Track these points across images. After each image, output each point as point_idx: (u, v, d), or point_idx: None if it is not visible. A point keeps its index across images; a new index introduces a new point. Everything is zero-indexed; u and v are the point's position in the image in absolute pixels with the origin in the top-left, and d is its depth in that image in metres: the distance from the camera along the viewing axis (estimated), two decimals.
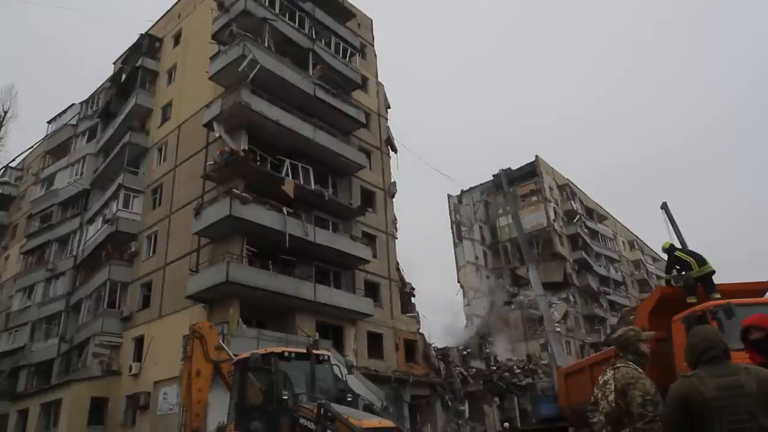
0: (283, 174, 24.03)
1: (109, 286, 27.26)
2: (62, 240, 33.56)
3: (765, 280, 10.86)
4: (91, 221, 31.47)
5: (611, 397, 3.73)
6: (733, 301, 8.64)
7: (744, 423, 2.96)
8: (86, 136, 35.82)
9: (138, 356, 25.22)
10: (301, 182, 24.41)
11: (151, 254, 27.45)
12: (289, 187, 23.34)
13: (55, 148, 37.55)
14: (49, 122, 39.28)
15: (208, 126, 24.41)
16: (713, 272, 10.73)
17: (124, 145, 30.22)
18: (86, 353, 26.90)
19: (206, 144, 25.66)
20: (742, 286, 10.63)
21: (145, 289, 26.91)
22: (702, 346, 3.26)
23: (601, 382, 3.90)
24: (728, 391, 3.02)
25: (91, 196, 33.05)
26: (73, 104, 38.05)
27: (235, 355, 10.70)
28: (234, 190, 22.03)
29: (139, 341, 25.58)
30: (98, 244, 29.06)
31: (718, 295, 9.99)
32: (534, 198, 53.96)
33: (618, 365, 3.87)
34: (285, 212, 22.95)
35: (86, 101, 37.29)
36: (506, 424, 27.97)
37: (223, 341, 14.59)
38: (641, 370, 3.80)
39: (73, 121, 37.13)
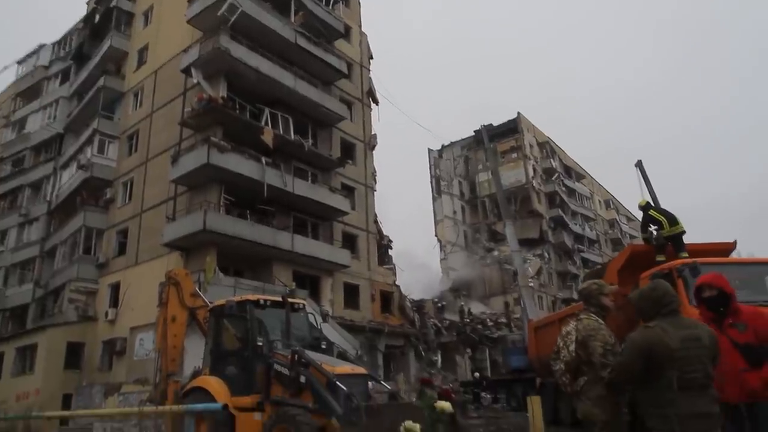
0: (263, 123, 23.73)
1: (84, 232, 27.02)
2: (35, 185, 32.97)
3: (731, 241, 11.15)
4: (65, 166, 30.91)
5: (572, 347, 3.88)
6: (699, 260, 8.86)
7: (696, 372, 3.14)
8: (59, 79, 34.80)
9: (114, 302, 25.27)
10: (281, 132, 24.14)
11: (127, 201, 27.16)
12: (268, 137, 23.08)
13: (26, 90, 36.42)
14: (20, 63, 37.93)
15: (186, 72, 23.85)
16: (683, 232, 10.95)
17: (99, 89, 29.43)
18: (62, 299, 26.88)
19: (184, 90, 25.10)
20: (709, 246, 10.90)
21: (121, 236, 26.76)
22: (666, 298, 3.40)
23: (564, 332, 4.04)
24: (689, 343, 3.20)
25: (65, 141, 32.32)
26: (44, 45, 36.72)
27: (211, 303, 10.77)
28: (212, 138, 21.74)
29: (115, 288, 25.60)
30: (73, 189, 28.65)
31: (686, 255, 10.23)
32: (514, 155, 54.11)
33: (581, 317, 4.01)
34: (264, 162, 22.76)
35: (58, 42, 36.03)
36: (476, 374, 28.81)
37: (199, 289, 14.66)
38: (602, 322, 3.94)
39: (45, 63, 35.94)
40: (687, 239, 10.95)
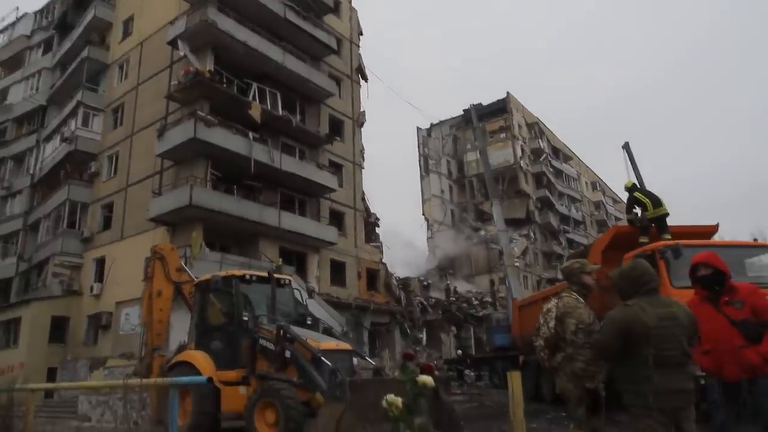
0: (250, 98, 23.50)
1: (68, 206, 26.75)
2: (18, 157, 32.46)
3: (714, 224, 11.30)
4: (48, 139, 30.47)
5: (551, 324, 3.97)
6: (681, 242, 9.00)
7: (672, 350, 3.20)
8: (41, 49, 34.09)
9: (99, 277, 25.16)
10: (269, 107, 23.93)
11: (112, 175, 26.88)
12: (255, 112, 22.88)
13: (8, 60, 35.61)
14: (1, 32, 37.06)
15: (173, 44, 23.46)
16: (667, 214, 11.07)
17: (83, 60, 28.88)
18: (46, 273, 26.69)
19: (170, 63, 24.70)
20: (692, 229, 11.04)
21: (106, 211, 26.52)
22: (645, 277, 3.45)
23: (545, 309, 4.12)
24: (666, 321, 3.26)
25: (48, 113, 31.79)
26: (26, 13, 35.88)
27: (197, 278, 10.78)
28: (199, 112, 21.51)
29: (101, 262, 25.45)
30: (56, 163, 28.28)
31: (669, 236, 10.36)
32: (503, 135, 54.06)
33: (563, 295, 4.09)
34: (251, 137, 22.61)
35: (41, 11, 35.22)
36: (460, 352, 29.17)
37: (185, 264, 14.62)
38: (582, 301, 4.04)
39: (27, 32, 35.15)
40: (673, 220, 11.10)
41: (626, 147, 17.64)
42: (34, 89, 32.74)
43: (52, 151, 29.15)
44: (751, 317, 4.00)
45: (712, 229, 11.22)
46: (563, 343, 3.90)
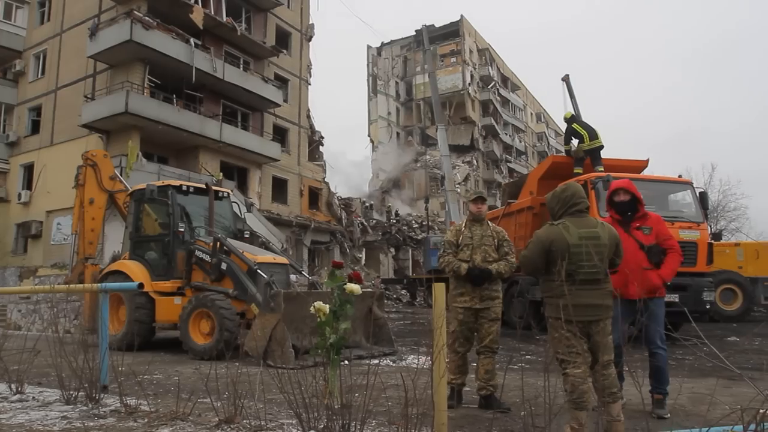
0: (192, 1, 22.17)
1: None
2: None
3: (644, 159, 11.79)
4: None
5: None
6: (612, 174, 9.38)
7: (588, 268, 3.41)
8: None
9: (28, 184, 24.08)
10: (212, 12, 22.72)
11: (39, 75, 25.19)
12: (197, 16, 21.71)
13: None
14: None
15: None
16: (602, 147, 11.45)
17: None
18: None
19: None
20: (623, 162, 11.51)
21: (34, 114, 25.05)
22: (573, 199, 3.61)
23: None
24: (587, 240, 3.45)
25: None
26: None
27: (132, 187, 10.50)
28: (135, 12, 20.19)
29: (29, 168, 24.29)
30: None
31: (601, 168, 10.77)
32: (453, 59, 53.42)
33: None
34: (192, 43, 21.53)
35: None
36: (413, 274, 30.04)
37: (121, 174, 14.19)
38: (462, 224, 4.99)
39: None
40: (609, 155, 11.48)
41: (566, 79, 17.89)
42: None
43: None
44: (656, 242, 4.40)
45: (643, 164, 11.71)
46: None
